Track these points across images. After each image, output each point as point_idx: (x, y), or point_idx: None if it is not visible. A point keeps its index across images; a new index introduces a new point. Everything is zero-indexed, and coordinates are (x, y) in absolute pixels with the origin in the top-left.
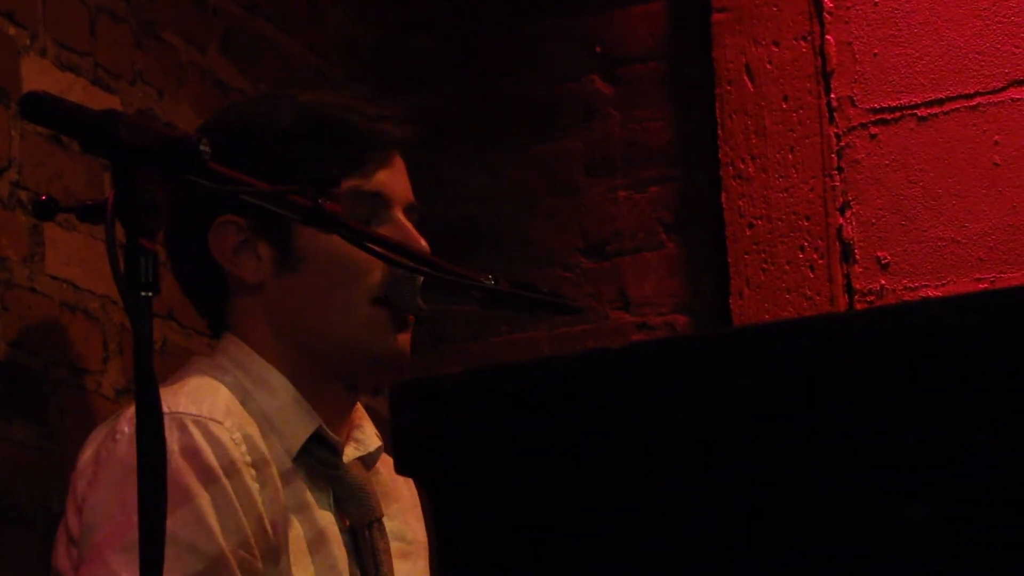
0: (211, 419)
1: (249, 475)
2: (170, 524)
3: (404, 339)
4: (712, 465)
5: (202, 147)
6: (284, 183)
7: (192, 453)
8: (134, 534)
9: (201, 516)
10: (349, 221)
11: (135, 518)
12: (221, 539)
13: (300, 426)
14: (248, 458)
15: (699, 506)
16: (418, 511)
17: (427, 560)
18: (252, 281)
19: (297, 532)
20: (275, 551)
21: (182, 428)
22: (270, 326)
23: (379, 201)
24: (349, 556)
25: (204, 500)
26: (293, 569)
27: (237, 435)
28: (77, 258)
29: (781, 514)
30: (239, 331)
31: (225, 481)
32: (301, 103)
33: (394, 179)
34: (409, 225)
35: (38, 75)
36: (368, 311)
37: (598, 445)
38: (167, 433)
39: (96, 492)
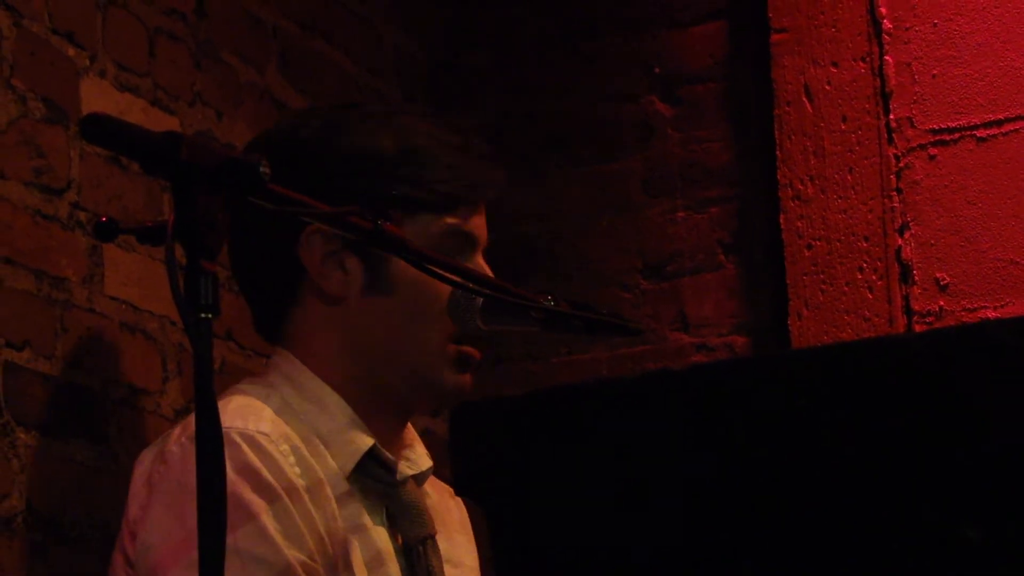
0: (257, 431)
1: (306, 498)
2: (234, 540)
3: (468, 378)
4: (773, 485)
5: (262, 168)
6: (379, 207)
7: (248, 470)
8: (195, 552)
9: (264, 529)
10: (408, 243)
11: (195, 536)
12: (286, 550)
13: (355, 444)
14: (303, 481)
15: (760, 524)
16: (468, 532)
17: None
18: (334, 294)
19: (356, 553)
20: (335, 570)
21: (230, 443)
22: (339, 342)
23: (470, 243)
24: (403, 574)
25: (266, 515)
26: None
27: (284, 447)
28: (136, 278)
29: (838, 532)
30: (297, 343)
31: (285, 498)
32: (401, 129)
33: (482, 223)
34: (486, 267)
35: (97, 96)
36: (443, 349)
37: (657, 466)
38: None
39: (152, 514)
